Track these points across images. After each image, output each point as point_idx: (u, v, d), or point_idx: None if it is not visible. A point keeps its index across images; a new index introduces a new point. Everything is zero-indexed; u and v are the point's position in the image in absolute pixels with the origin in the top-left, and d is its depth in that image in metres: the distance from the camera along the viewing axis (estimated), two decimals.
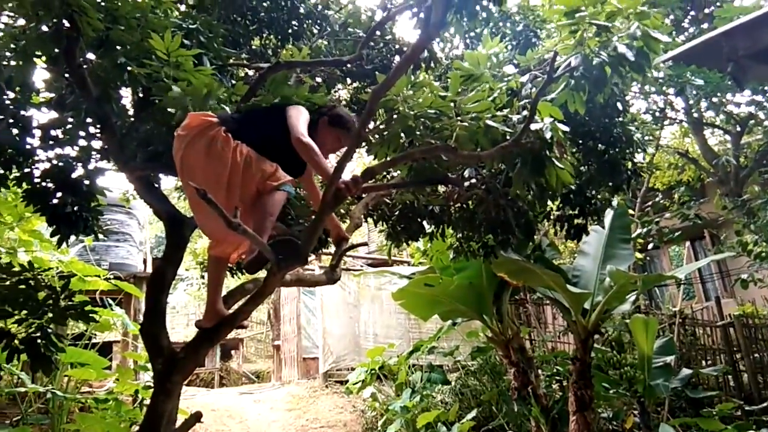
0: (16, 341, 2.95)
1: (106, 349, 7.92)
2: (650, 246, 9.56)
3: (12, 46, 3.06)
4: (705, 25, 8.78)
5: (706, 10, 8.78)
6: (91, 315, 3.14)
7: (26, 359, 3.00)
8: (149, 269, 8.40)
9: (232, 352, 16.51)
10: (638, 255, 10.36)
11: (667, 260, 14.50)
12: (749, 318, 8.66)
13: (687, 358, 8.35)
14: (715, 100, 8.87)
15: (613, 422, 6.97)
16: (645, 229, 8.16)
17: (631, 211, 9.67)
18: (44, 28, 3.06)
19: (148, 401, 5.77)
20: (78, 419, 4.68)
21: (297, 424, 7.80)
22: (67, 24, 2.93)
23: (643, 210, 9.52)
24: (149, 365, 6.37)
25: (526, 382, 6.75)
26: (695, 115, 9.89)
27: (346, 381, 9.13)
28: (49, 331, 2.94)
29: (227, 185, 2.50)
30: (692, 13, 8.71)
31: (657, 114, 9.49)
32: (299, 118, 2.63)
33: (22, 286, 3.06)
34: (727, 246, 9.07)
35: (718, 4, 8.33)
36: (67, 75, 3.43)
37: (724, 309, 9.22)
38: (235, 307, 2.99)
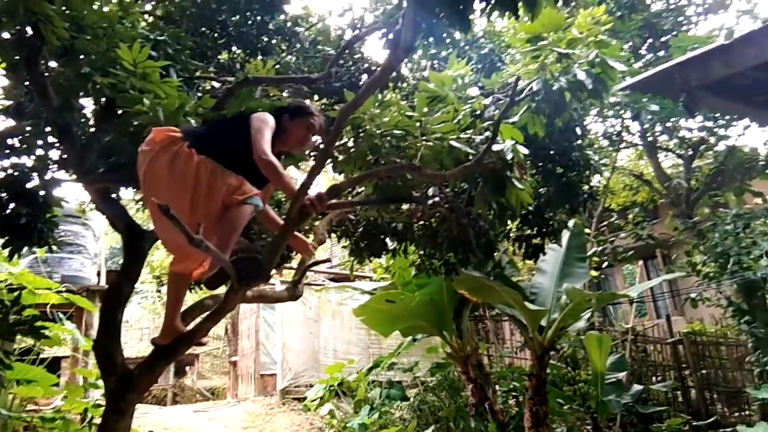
0: None
1: (54, 364, 7.61)
2: (605, 264, 9.84)
3: None
4: (661, 53, 9.17)
5: (663, 39, 9.19)
6: (41, 331, 3.04)
7: None
8: (103, 282, 8.15)
9: (187, 368, 16.09)
10: (593, 273, 10.65)
11: (621, 278, 14.94)
12: (697, 335, 8.99)
13: (638, 374, 8.59)
14: (669, 124, 9.26)
15: None
16: (600, 248, 8.41)
17: (587, 230, 9.97)
18: (5, 35, 2.99)
19: (98, 420, 5.60)
20: None
21: None
22: (30, 31, 2.87)
23: (598, 229, 9.81)
24: (100, 382, 6.17)
25: (483, 398, 6.83)
26: (650, 138, 10.30)
27: (305, 398, 9.03)
28: None
29: (191, 201, 2.47)
30: (650, 40, 9.09)
31: (614, 137, 9.84)
32: (262, 131, 2.58)
33: None
34: (677, 266, 9.42)
35: (674, 32, 8.73)
36: (27, 83, 3.35)
37: (674, 326, 9.56)
38: (194, 323, 2.94)
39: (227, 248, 2.46)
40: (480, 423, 6.76)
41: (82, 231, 7.58)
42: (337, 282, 11.27)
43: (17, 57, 2.98)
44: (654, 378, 8.91)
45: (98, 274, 8.36)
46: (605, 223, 9.75)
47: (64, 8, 3.03)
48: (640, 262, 11.73)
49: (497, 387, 7.66)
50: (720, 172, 9.67)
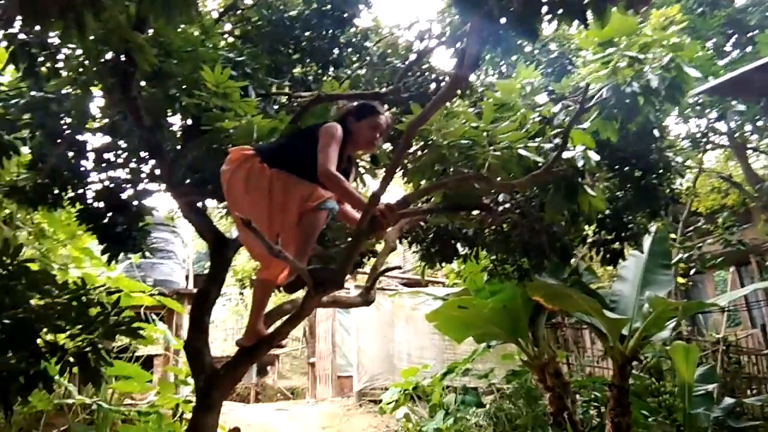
0: (69, 355, 3.14)
1: (147, 362, 8.18)
2: (692, 271, 9.33)
3: (73, 77, 3.29)
4: (749, 48, 8.62)
5: (749, 34, 8.64)
6: (138, 331, 3.31)
7: (74, 372, 3.18)
8: (191, 285, 8.68)
9: (268, 368, 16.69)
10: (680, 280, 10.12)
11: (712, 286, 14.08)
12: None
13: (731, 387, 8.09)
14: (759, 123, 8.67)
15: None
16: (686, 255, 7.99)
17: (673, 236, 9.50)
18: (102, 60, 3.30)
19: (188, 415, 5.98)
20: (121, 430, 4.88)
21: None
22: (123, 58, 3.15)
23: (684, 235, 9.33)
24: (190, 380, 6.56)
25: (561, 408, 6.67)
26: (738, 139, 9.68)
27: (380, 400, 9.16)
28: (99, 346, 3.10)
29: (268, 212, 2.62)
30: (735, 37, 8.57)
31: (699, 138, 9.33)
32: (328, 144, 2.65)
33: (75, 303, 3.24)
34: None
35: (761, 28, 8.18)
36: (120, 104, 3.68)
37: None
38: (274, 327, 3.11)
39: (304, 256, 2.59)
40: None
41: (171, 238, 8.12)
42: (410, 287, 11.37)
43: (112, 81, 3.27)
44: (749, 391, 8.36)
45: (186, 278, 8.92)
46: (692, 228, 9.25)
47: (153, 35, 3.32)
48: (732, 269, 11.00)
49: (577, 397, 7.45)
50: None
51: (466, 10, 1.98)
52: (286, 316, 3.06)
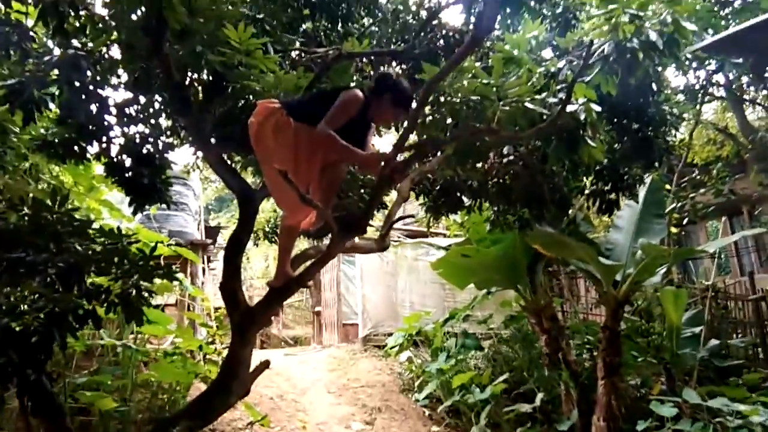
0: (113, 296, 3.43)
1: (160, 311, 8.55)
2: (685, 221, 9.65)
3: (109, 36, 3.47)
4: None
5: None
6: (174, 275, 3.60)
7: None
8: (203, 236, 8.98)
9: (272, 317, 17.22)
10: (674, 229, 10.45)
11: (705, 235, 14.46)
12: None
13: (718, 331, 8.51)
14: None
15: (641, 389, 7.25)
16: (679, 204, 8.28)
17: (668, 187, 9.77)
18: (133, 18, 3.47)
19: (210, 356, 6.36)
20: (152, 368, 5.24)
21: (339, 383, 8.33)
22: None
23: (679, 185, 9.61)
24: (210, 323, 6.91)
25: (557, 349, 7.05)
26: (735, 91, 9.84)
27: (384, 345, 9.62)
28: (142, 287, 3.39)
29: (294, 163, 2.87)
30: None
31: (697, 90, 9.48)
32: (339, 109, 2.84)
33: (117, 248, 3.52)
34: (762, 222, 9.10)
35: None
36: (144, 60, 3.85)
37: (758, 284, 9.31)
38: (300, 269, 3.40)
39: (329, 203, 2.87)
40: (553, 372, 7.02)
41: (184, 191, 8.35)
42: (413, 238, 11.71)
43: (146, 39, 3.45)
44: (735, 335, 8.79)
45: (198, 229, 9.20)
46: (686, 178, 9.52)
47: None
48: (725, 219, 11.34)
49: (571, 341, 7.85)
50: None
51: None
52: (312, 260, 3.35)
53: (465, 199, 5.40)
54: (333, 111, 2.86)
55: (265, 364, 3.48)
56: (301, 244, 7.87)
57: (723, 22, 8.06)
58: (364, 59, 4.20)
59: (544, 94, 3.48)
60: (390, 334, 9.75)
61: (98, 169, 5.73)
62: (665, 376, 6.93)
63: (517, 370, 7.86)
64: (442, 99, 3.36)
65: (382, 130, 4.06)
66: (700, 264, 12.72)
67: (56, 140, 4.30)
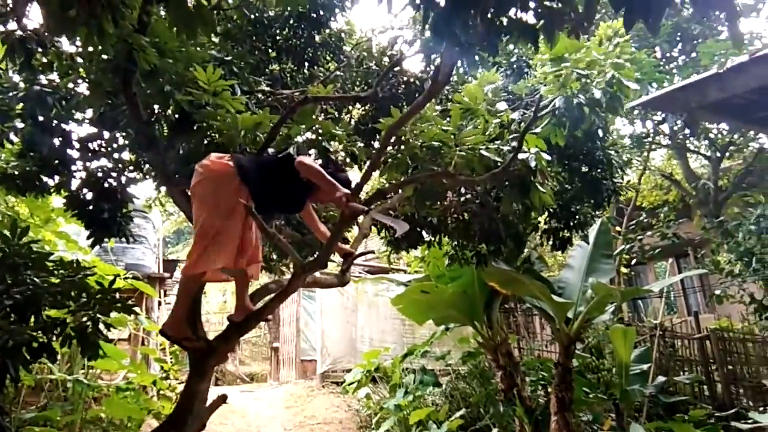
0: (69, 330, 3.40)
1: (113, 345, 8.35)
2: (634, 262, 10.07)
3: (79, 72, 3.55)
4: (694, 54, 9.33)
5: (695, 42, 9.35)
6: (132, 308, 3.61)
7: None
8: (161, 269, 8.86)
9: (229, 354, 16.84)
10: (624, 270, 10.88)
11: (653, 275, 15.04)
12: (724, 332, 9.17)
13: (665, 369, 8.83)
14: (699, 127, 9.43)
15: (593, 425, 7.43)
16: (628, 246, 8.68)
17: (618, 228, 10.21)
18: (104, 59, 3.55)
19: (164, 391, 6.25)
20: (104, 404, 5.13)
21: (295, 421, 8.24)
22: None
23: (628, 228, 10.05)
24: (165, 358, 6.79)
25: (512, 385, 7.20)
26: (679, 140, 10.47)
27: (343, 381, 9.58)
28: (100, 320, 3.38)
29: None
30: (680, 45, 9.27)
31: (644, 138, 10.04)
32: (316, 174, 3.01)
33: (75, 281, 3.51)
34: (705, 263, 9.58)
35: (703, 38, 8.88)
36: (108, 97, 3.92)
37: (703, 323, 9.75)
38: (260, 304, 3.46)
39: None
40: (509, 408, 7.14)
41: (143, 224, 8.27)
42: (373, 274, 11.80)
43: (114, 78, 3.53)
44: (682, 372, 9.12)
45: (157, 263, 9.08)
46: (634, 221, 9.98)
47: (149, 36, 3.58)
48: (671, 260, 11.87)
49: (526, 377, 8.02)
50: (749, 173, 9.78)
51: (438, 35, 2.37)
52: (273, 294, 3.41)
53: (425, 234, 5.55)
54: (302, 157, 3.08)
55: (221, 399, 3.48)
56: (263, 278, 7.88)
57: (668, 77, 8.65)
58: (329, 102, 4.37)
59: (498, 143, 3.70)
60: (348, 370, 9.73)
61: (56, 201, 5.68)
62: (615, 412, 7.14)
63: (474, 406, 7.95)
64: (404, 142, 3.54)
65: (346, 168, 4.21)
66: (650, 303, 13.19)
67: (16, 173, 4.29)
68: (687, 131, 9.77)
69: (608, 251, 7.23)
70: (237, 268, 3.22)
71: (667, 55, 9.65)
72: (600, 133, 5.21)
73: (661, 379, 7.63)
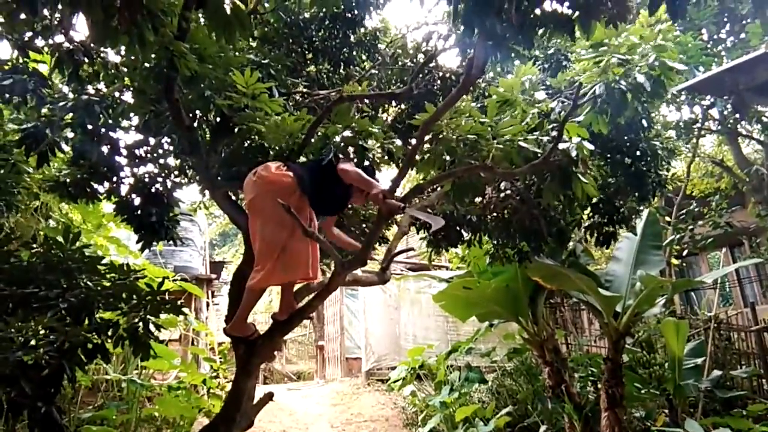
0: (122, 331, 3.52)
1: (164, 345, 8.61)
2: (685, 252, 9.73)
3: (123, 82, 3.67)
4: (743, 35, 8.93)
5: (743, 22, 8.95)
6: (181, 309, 3.70)
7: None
8: (208, 271, 9.09)
9: (275, 352, 17.14)
10: (675, 261, 10.52)
11: (706, 266, 14.50)
12: None
13: (721, 363, 8.50)
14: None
15: (645, 421, 7.22)
16: (678, 236, 8.39)
17: (667, 219, 9.88)
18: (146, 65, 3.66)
19: (214, 390, 6.40)
20: (157, 403, 5.29)
21: (342, 418, 8.31)
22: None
23: (678, 217, 9.72)
24: (214, 357, 6.95)
25: (560, 381, 7.07)
26: (730, 125, 10.05)
27: (388, 379, 9.61)
28: (150, 321, 3.49)
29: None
30: (727, 26, 8.89)
31: (693, 124, 9.69)
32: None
33: (126, 284, 3.63)
34: (761, 252, 9.18)
35: (753, 18, 8.49)
36: (153, 104, 4.04)
37: (760, 315, 9.32)
38: (303, 302, 3.51)
39: None
40: (557, 405, 7.01)
41: (190, 227, 8.51)
42: (415, 271, 11.78)
43: (158, 85, 3.64)
44: (739, 366, 8.76)
45: (203, 264, 9.33)
46: (685, 211, 9.65)
47: (189, 42, 3.67)
48: (725, 250, 11.40)
49: (574, 373, 7.86)
50: None
51: (471, 26, 2.34)
52: (314, 293, 3.45)
53: (464, 233, 5.50)
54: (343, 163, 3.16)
55: (268, 396, 3.55)
56: None
57: (716, 59, 8.31)
58: (365, 100, 4.38)
59: (537, 133, 3.63)
60: (393, 368, 9.75)
61: (107, 207, 5.89)
62: (668, 408, 6.92)
63: (521, 403, 7.84)
64: (440, 136, 3.51)
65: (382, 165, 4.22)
66: (703, 295, 12.72)
67: (68, 180, 4.46)
68: (737, 115, 9.37)
69: (657, 242, 7.00)
70: (314, 279, 3.29)
71: (714, 37, 9.26)
72: (644, 123, 5.06)
73: (716, 373, 7.35)
